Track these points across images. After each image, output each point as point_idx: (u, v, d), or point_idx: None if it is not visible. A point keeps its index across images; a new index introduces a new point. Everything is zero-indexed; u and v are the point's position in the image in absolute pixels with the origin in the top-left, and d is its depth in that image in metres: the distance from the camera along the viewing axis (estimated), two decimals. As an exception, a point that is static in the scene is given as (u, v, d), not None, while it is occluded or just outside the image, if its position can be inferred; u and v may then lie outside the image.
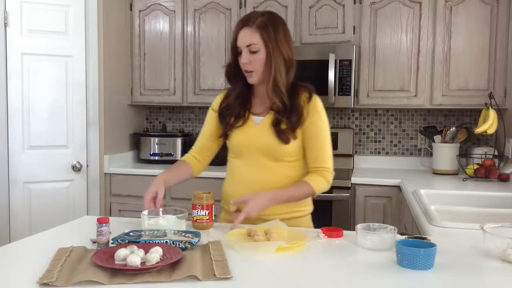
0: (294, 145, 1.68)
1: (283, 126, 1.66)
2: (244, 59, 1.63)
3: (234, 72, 1.71)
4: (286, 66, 1.65)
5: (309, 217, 1.82)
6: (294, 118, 1.66)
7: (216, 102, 1.84)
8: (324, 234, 1.47)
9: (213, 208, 1.62)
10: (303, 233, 1.45)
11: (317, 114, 1.69)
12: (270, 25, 1.62)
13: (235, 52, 1.67)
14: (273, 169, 1.70)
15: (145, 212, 1.56)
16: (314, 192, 1.69)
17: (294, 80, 1.70)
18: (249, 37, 1.61)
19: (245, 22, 1.63)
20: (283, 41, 1.64)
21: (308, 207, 1.82)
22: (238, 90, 1.74)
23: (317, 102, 1.71)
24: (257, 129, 1.71)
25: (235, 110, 1.74)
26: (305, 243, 1.38)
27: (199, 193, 1.62)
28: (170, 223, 1.48)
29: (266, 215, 1.60)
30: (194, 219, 1.60)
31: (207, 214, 1.59)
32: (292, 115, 1.66)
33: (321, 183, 1.69)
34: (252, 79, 1.67)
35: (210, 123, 1.84)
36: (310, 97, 1.70)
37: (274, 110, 1.69)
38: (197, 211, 1.60)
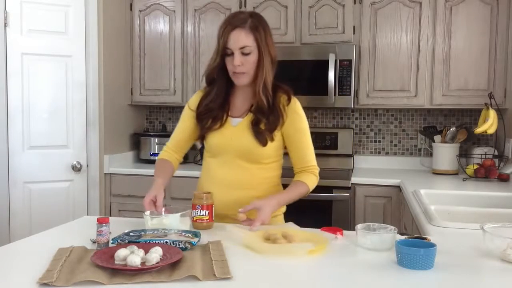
0: (271, 147, 1.69)
1: (262, 127, 1.67)
2: (237, 61, 1.61)
3: (218, 74, 1.70)
4: (272, 67, 1.67)
5: (282, 216, 1.83)
6: (272, 119, 1.67)
7: (193, 100, 1.82)
8: (340, 234, 1.47)
9: (213, 208, 1.62)
10: (320, 235, 1.43)
11: (297, 116, 1.71)
12: (261, 27, 1.63)
13: (224, 53, 1.64)
14: (249, 171, 1.71)
15: (147, 212, 1.56)
16: (309, 190, 1.73)
17: (274, 80, 1.71)
18: (243, 39, 1.60)
19: (236, 23, 1.61)
20: (270, 42, 1.66)
21: (282, 207, 1.82)
22: (217, 91, 1.73)
23: (296, 104, 1.73)
24: (234, 131, 1.71)
25: (213, 112, 1.73)
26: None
27: (199, 193, 1.63)
28: (174, 222, 1.48)
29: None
30: (194, 219, 1.60)
31: (207, 214, 1.60)
32: (271, 116, 1.67)
33: (312, 180, 1.74)
34: (242, 81, 1.66)
35: (186, 120, 1.83)
36: (289, 100, 1.71)
37: (254, 111, 1.69)
38: (197, 211, 1.60)
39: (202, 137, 1.78)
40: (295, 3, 3.29)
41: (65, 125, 3.11)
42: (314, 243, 1.33)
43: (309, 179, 1.73)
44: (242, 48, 1.61)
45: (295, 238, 1.36)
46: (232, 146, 1.70)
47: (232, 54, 1.62)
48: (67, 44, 3.09)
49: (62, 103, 3.10)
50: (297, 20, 3.30)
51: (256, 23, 1.62)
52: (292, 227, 1.51)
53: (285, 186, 1.81)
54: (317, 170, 1.76)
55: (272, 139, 1.68)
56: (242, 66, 1.62)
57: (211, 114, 1.73)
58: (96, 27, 3.17)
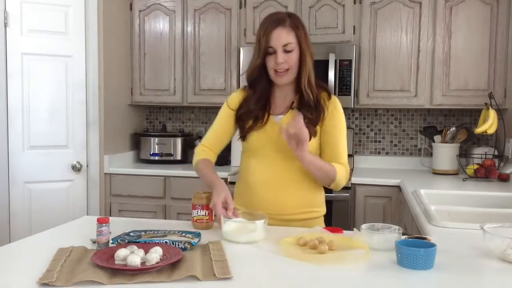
0: (313, 143, 1.67)
1: (305, 120, 1.65)
2: (281, 59, 1.62)
3: (259, 74, 1.70)
4: (313, 65, 1.69)
5: (322, 218, 1.82)
6: (316, 114, 1.68)
7: (232, 99, 1.81)
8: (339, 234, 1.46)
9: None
10: (352, 238, 1.40)
11: (336, 112, 1.72)
12: (299, 25, 1.66)
13: (265, 53, 1.65)
14: (292, 167, 1.69)
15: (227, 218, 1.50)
16: (335, 177, 1.66)
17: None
18: (285, 37, 1.62)
19: (277, 22, 1.63)
20: (309, 41, 1.68)
21: (322, 208, 1.82)
22: (259, 93, 1.74)
23: (337, 101, 1.75)
24: (277, 127, 1.69)
25: (255, 114, 1.74)
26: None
27: (199, 193, 1.62)
28: (259, 228, 1.43)
29: (283, 215, 1.62)
30: (194, 219, 1.60)
31: (207, 214, 1.59)
32: (314, 111, 1.68)
33: (343, 172, 1.68)
34: (284, 79, 1.67)
35: (224, 119, 1.81)
36: (329, 96, 1.73)
37: (298, 107, 1.69)
38: (197, 211, 1.59)
39: (243, 138, 1.77)
40: (295, 3, 3.29)
41: (65, 125, 3.11)
42: (354, 247, 1.31)
43: (339, 167, 1.68)
44: (284, 45, 1.62)
45: (334, 243, 1.33)
46: (275, 142, 1.68)
47: (274, 52, 1.63)
48: (67, 44, 3.09)
49: (62, 103, 3.10)
50: (297, 20, 3.30)
51: (295, 22, 1.65)
52: (322, 232, 1.47)
53: (325, 189, 1.79)
54: (348, 167, 1.73)
55: (315, 134, 1.68)
56: (284, 63, 1.64)
57: (252, 115, 1.73)
58: (96, 27, 3.17)
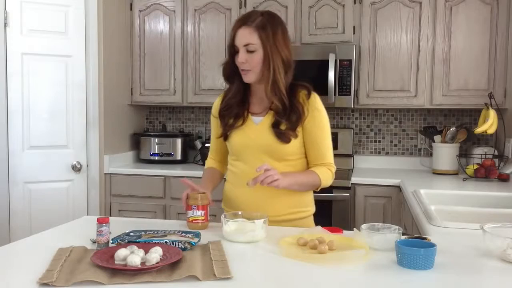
0: (295, 143, 1.68)
1: (283, 127, 1.66)
2: (241, 58, 1.62)
3: (231, 70, 1.71)
4: (285, 67, 1.65)
5: (312, 218, 1.82)
6: (293, 117, 1.66)
7: (215, 108, 1.83)
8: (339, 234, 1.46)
9: (208, 209, 1.61)
10: (352, 238, 1.40)
11: (316, 112, 1.70)
12: (269, 25, 1.62)
13: (233, 50, 1.66)
14: (276, 169, 1.68)
15: (226, 216, 1.52)
16: (320, 184, 1.69)
17: (293, 80, 1.71)
18: (247, 37, 1.61)
19: (243, 21, 1.63)
20: (281, 42, 1.64)
21: (311, 207, 1.82)
22: (235, 88, 1.74)
23: (316, 99, 1.72)
24: (256, 129, 1.71)
25: (233, 110, 1.74)
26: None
27: (193, 194, 1.61)
28: (258, 228, 1.43)
29: (272, 217, 1.58)
30: (190, 220, 1.59)
31: (203, 215, 1.59)
32: (291, 114, 1.66)
33: (327, 175, 1.70)
34: (248, 78, 1.67)
35: (215, 128, 1.85)
36: (309, 95, 1.70)
37: (273, 110, 1.69)
38: (193, 212, 1.59)
39: (225, 137, 1.77)
40: (295, 3, 3.29)
41: (65, 125, 3.11)
42: (354, 247, 1.31)
43: (323, 172, 1.69)
44: (246, 45, 1.61)
45: (334, 243, 1.33)
46: (256, 144, 1.69)
47: (239, 51, 1.64)
48: (67, 44, 3.09)
49: (62, 103, 3.10)
50: (297, 20, 3.30)
51: (264, 22, 1.62)
52: (322, 232, 1.47)
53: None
54: (333, 168, 1.73)
55: (295, 136, 1.67)
56: (246, 64, 1.63)
57: (232, 112, 1.74)
58: (96, 27, 3.17)
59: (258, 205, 1.66)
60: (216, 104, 1.84)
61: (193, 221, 1.59)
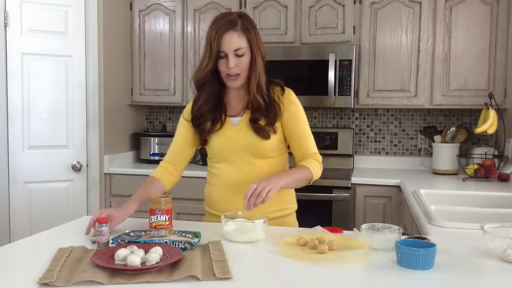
0: (275, 139, 1.69)
1: (262, 123, 1.67)
2: (232, 64, 1.60)
3: (208, 77, 1.67)
4: (264, 66, 1.67)
5: (294, 215, 1.83)
6: (271, 113, 1.67)
7: (187, 111, 1.81)
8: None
9: (172, 213, 1.56)
10: (353, 238, 1.40)
11: (292, 105, 1.72)
12: (250, 27, 1.63)
13: (217, 57, 1.62)
14: (258, 167, 1.70)
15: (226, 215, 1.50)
16: (312, 176, 1.69)
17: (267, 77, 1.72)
18: (237, 41, 1.59)
19: (229, 25, 1.59)
20: (260, 42, 1.66)
21: (293, 204, 1.82)
22: (206, 96, 1.71)
23: (291, 94, 1.74)
24: (236, 130, 1.71)
25: (209, 115, 1.72)
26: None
27: (156, 198, 1.55)
28: (257, 227, 1.43)
29: (255, 215, 1.56)
30: (153, 225, 1.52)
31: (167, 220, 1.53)
32: (269, 111, 1.67)
33: (316, 166, 1.71)
34: (237, 83, 1.66)
35: (184, 131, 1.80)
36: (283, 91, 1.72)
37: (250, 109, 1.69)
38: (157, 217, 1.52)
39: (204, 142, 1.75)
40: (295, 3, 3.29)
41: (65, 125, 3.11)
42: (354, 247, 1.31)
43: (312, 164, 1.69)
44: (236, 50, 1.60)
45: (334, 243, 1.33)
46: (237, 145, 1.69)
47: (226, 57, 1.61)
48: (67, 44, 3.09)
49: (62, 103, 3.10)
50: (297, 20, 3.30)
51: (246, 24, 1.62)
52: (322, 232, 1.47)
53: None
54: (319, 157, 1.74)
55: (274, 131, 1.68)
56: (236, 68, 1.62)
57: (208, 117, 1.71)
58: (96, 27, 3.17)
59: (241, 206, 1.62)
60: (188, 107, 1.81)
61: (157, 227, 1.51)
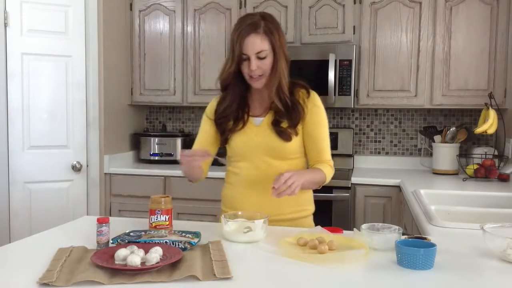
0: (296, 141, 1.69)
1: (284, 125, 1.68)
2: (254, 66, 1.61)
3: (232, 79, 1.69)
4: (287, 67, 1.67)
5: (311, 217, 1.83)
6: (294, 115, 1.67)
7: (210, 109, 1.81)
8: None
9: (172, 213, 1.56)
10: (351, 238, 1.40)
11: (316, 108, 1.72)
12: (274, 29, 1.63)
13: (239, 60, 1.63)
14: (277, 168, 1.69)
15: (227, 216, 1.49)
16: (325, 179, 1.70)
17: (289, 78, 1.71)
18: (259, 44, 1.60)
19: (250, 28, 1.60)
20: (283, 43, 1.66)
21: (311, 206, 1.83)
22: (233, 96, 1.72)
23: (316, 97, 1.74)
24: (258, 130, 1.71)
25: (231, 116, 1.73)
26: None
27: (156, 198, 1.54)
28: (257, 227, 1.42)
29: (272, 216, 1.57)
30: (153, 225, 1.52)
31: (167, 220, 1.53)
32: (292, 113, 1.67)
33: (330, 172, 1.72)
34: (260, 84, 1.67)
35: (207, 130, 1.80)
36: (308, 93, 1.72)
37: (274, 110, 1.70)
38: (157, 217, 1.52)
39: (225, 141, 1.76)
40: (295, 3, 3.29)
41: (65, 125, 3.11)
42: (354, 247, 1.31)
43: (325, 167, 1.70)
44: (258, 53, 1.60)
45: (334, 243, 1.33)
46: (258, 145, 1.70)
47: (248, 59, 1.61)
48: (67, 44, 3.09)
49: (62, 103, 3.10)
50: (297, 20, 3.30)
51: (269, 26, 1.62)
52: (322, 232, 1.46)
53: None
54: (332, 163, 1.74)
55: (296, 134, 1.69)
56: (258, 70, 1.63)
57: (231, 117, 1.72)
58: (96, 27, 3.17)
59: (261, 205, 1.66)
60: (211, 106, 1.81)
61: (157, 227, 1.51)
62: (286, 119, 1.67)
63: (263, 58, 1.62)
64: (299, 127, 1.70)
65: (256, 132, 1.71)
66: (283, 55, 1.65)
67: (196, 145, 1.81)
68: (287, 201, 1.66)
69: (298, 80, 1.74)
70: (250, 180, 1.72)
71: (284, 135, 1.67)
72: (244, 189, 1.73)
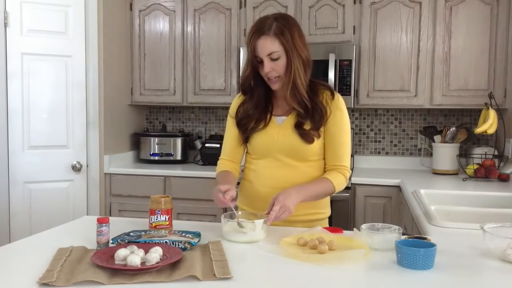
0: (318, 143, 1.68)
1: (307, 127, 1.66)
2: (267, 68, 1.61)
3: (254, 81, 1.69)
4: (304, 67, 1.65)
5: (327, 220, 1.82)
6: (317, 117, 1.66)
7: (232, 108, 1.81)
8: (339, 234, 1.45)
9: (172, 213, 1.56)
10: (351, 238, 1.40)
11: (338, 111, 1.70)
12: (286, 29, 1.61)
13: (254, 63, 1.64)
14: (297, 169, 1.69)
15: (227, 216, 1.49)
16: (334, 190, 1.68)
17: (312, 78, 1.70)
18: (269, 46, 1.59)
19: (261, 31, 1.60)
20: (299, 43, 1.63)
21: (327, 209, 1.81)
22: (256, 99, 1.72)
23: (340, 99, 1.71)
24: (280, 130, 1.70)
25: (254, 116, 1.73)
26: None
27: (156, 198, 1.54)
28: (257, 227, 1.43)
29: (289, 217, 1.56)
30: (153, 225, 1.52)
31: (167, 220, 1.53)
32: (314, 114, 1.66)
33: (340, 181, 1.69)
34: (278, 85, 1.66)
35: (233, 130, 1.80)
36: (332, 95, 1.70)
37: (296, 110, 1.68)
38: (157, 217, 1.52)
39: (246, 140, 1.76)
40: (295, 3, 3.29)
41: (65, 125, 3.11)
42: (354, 247, 1.31)
43: (336, 178, 1.68)
44: (269, 54, 1.60)
45: (334, 243, 1.33)
46: (279, 145, 1.69)
47: (262, 61, 1.61)
48: (67, 44, 3.09)
49: (62, 103, 3.10)
50: (297, 20, 3.29)
51: (281, 27, 1.60)
52: (322, 232, 1.46)
53: None
54: (347, 172, 1.71)
55: (319, 136, 1.67)
56: (273, 71, 1.62)
57: (253, 117, 1.72)
58: (96, 27, 3.17)
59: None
60: (234, 105, 1.81)
61: (157, 227, 1.52)
62: (309, 120, 1.66)
63: (276, 59, 1.61)
64: (322, 129, 1.68)
65: (277, 131, 1.70)
66: (297, 55, 1.61)
67: (226, 145, 1.83)
68: (304, 203, 1.65)
69: (321, 81, 1.73)
70: (268, 178, 1.72)
71: (307, 137, 1.66)
72: (261, 187, 1.72)
